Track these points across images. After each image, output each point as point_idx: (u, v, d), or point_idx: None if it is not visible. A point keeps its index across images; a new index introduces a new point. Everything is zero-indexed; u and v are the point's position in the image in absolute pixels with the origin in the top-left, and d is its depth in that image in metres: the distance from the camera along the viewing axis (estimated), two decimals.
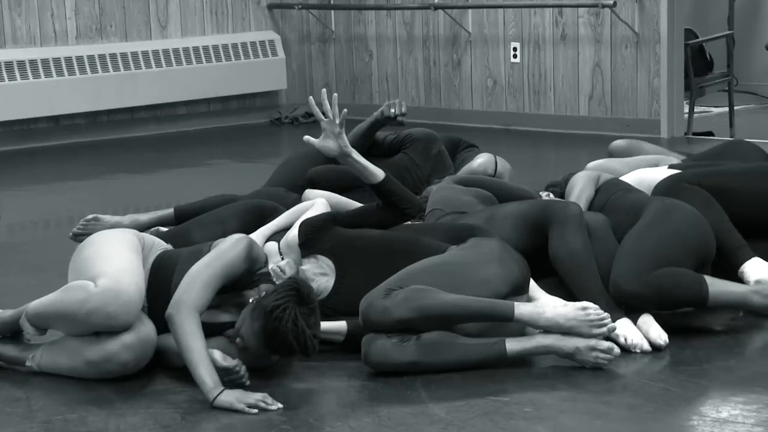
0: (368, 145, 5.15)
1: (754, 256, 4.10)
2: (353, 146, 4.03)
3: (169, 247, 3.95)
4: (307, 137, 3.99)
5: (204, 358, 3.44)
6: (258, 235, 4.23)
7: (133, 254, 3.75)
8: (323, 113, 3.94)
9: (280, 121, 9.29)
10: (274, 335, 3.44)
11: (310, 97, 4.11)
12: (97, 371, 3.62)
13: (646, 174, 4.62)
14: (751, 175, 4.32)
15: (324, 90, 4.00)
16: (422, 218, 4.48)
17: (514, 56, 8.43)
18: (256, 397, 3.40)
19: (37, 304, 3.71)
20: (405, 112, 5.18)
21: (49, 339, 3.77)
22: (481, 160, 5.25)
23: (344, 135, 3.94)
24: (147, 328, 3.63)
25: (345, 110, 3.95)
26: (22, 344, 3.81)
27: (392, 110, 5.13)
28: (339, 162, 4.04)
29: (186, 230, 4.45)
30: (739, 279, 4.06)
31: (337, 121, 3.93)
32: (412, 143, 5.23)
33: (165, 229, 4.61)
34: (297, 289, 3.47)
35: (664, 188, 4.30)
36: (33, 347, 3.78)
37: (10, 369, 3.79)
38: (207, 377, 3.41)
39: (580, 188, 4.40)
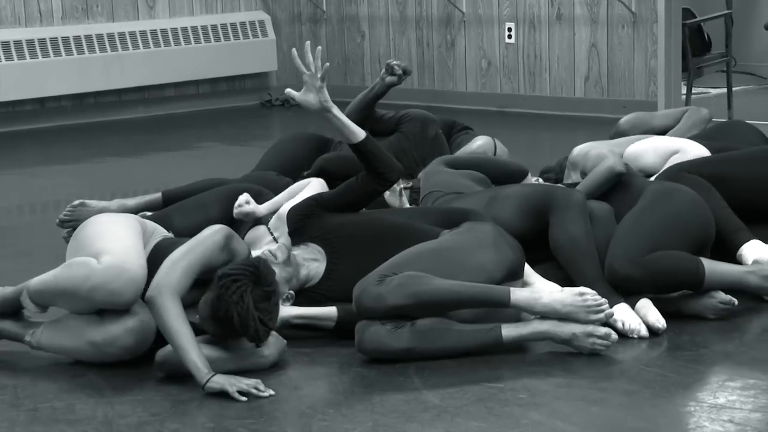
0: (366, 119, 5.07)
1: (753, 238, 4.08)
2: (352, 119, 4.00)
3: (169, 234, 3.92)
4: (288, 90, 3.96)
5: (192, 341, 3.39)
6: (263, 210, 4.25)
7: (136, 236, 3.72)
8: (306, 66, 3.87)
9: (271, 103, 9.24)
10: (217, 305, 3.40)
11: (293, 50, 4.03)
12: (97, 353, 3.58)
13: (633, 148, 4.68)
14: (750, 161, 4.32)
15: (308, 42, 3.92)
16: (415, 194, 4.42)
17: (509, 37, 8.36)
18: (248, 382, 3.36)
19: (38, 280, 3.67)
20: (409, 69, 5.15)
21: (50, 318, 3.73)
22: (480, 143, 5.21)
23: (325, 89, 3.88)
24: (149, 315, 3.57)
25: (327, 64, 3.90)
26: (23, 321, 3.79)
27: (394, 64, 5.08)
28: (338, 147, 3.97)
29: (168, 215, 4.42)
30: (738, 262, 4.05)
31: (319, 75, 3.86)
32: (409, 122, 5.17)
33: (149, 213, 4.56)
34: (257, 267, 3.44)
35: (663, 177, 4.30)
36: (34, 325, 3.75)
37: None
38: (198, 360, 3.37)
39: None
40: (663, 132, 5.00)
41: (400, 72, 5.09)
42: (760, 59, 9.64)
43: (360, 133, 3.89)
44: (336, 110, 3.90)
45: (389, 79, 5.12)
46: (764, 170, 4.27)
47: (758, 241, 4.08)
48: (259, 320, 3.40)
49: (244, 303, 3.38)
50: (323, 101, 3.88)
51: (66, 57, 8.30)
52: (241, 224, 4.31)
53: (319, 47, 3.96)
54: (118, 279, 3.50)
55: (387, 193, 4.44)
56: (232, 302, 3.38)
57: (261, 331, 3.42)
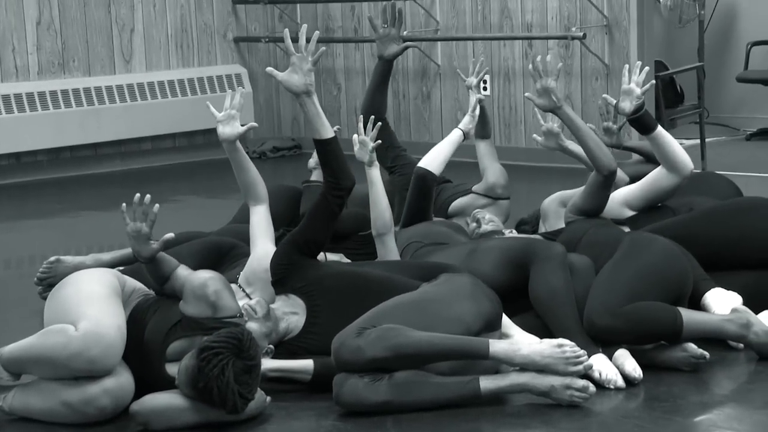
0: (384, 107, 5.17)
1: (715, 286, 4.11)
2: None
3: (150, 292, 3.88)
4: (270, 69, 3.89)
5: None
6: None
7: (114, 295, 3.67)
8: (296, 48, 3.83)
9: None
10: (197, 377, 3.38)
11: (286, 30, 3.95)
12: (73, 414, 3.53)
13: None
14: (710, 220, 4.37)
15: (305, 25, 3.89)
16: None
17: (484, 89, 8.39)
18: None
19: (12, 348, 3.61)
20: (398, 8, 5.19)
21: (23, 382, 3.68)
22: (493, 171, 5.20)
23: (313, 74, 3.83)
24: (127, 374, 3.56)
25: (323, 48, 3.86)
26: None
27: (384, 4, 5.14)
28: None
29: (141, 269, 4.37)
30: (703, 310, 4.08)
31: (310, 58, 3.82)
32: (404, 168, 5.18)
33: (123, 268, 4.53)
34: (239, 339, 3.40)
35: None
36: (5, 389, 3.68)
37: None
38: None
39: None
40: (634, 178, 5.01)
41: (389, 17, 5.13)
42: (732, 111, 9.69)
43: (330, 130, 3.88)
44: (316, 97, 3.86)
45: (387, 53, 5.17)
46: (725, 229, 4.31)
47: (721, 288, 4.11)
48: (239, 393, 3.38)
49: (225, 377, 3.35)
50: (309, 85, 3.83)
51: (42, 111, 8.28)
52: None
53: (317, 32, 3.92)
54: (96, 346, 3.45)
55: (356, 147, 4.44)
56: (212, 376, 3.36)
57: (239, 404, 3.40)
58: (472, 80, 5.26)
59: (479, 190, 5.19)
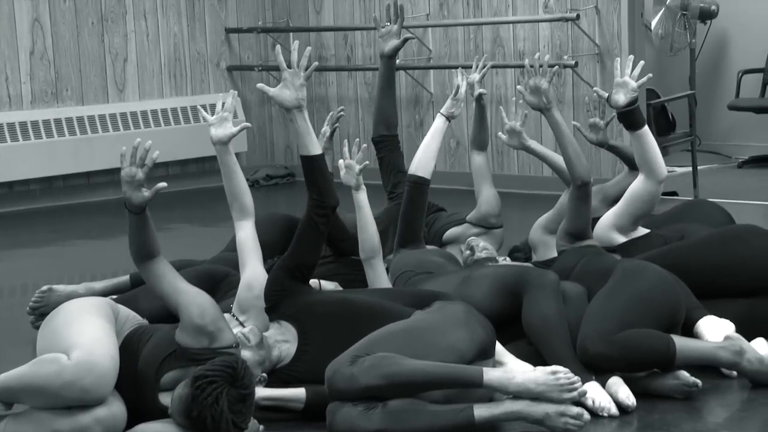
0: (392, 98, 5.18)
1: (707, 314, 4.11)
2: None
3: (144, 321, 3.86)
4: (261, 84, 3.91)
5: None
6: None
7: (107, 324, 3.64)
8: (287, 64, 3.83)
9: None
10: (191, 406, 3.35)
11: (278, 46, 3.98)
12: None
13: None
14: (703, 248, 4.37)
15: (296, 42, 3.88)
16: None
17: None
18: None
19: (4, 377, 3.57)
20: (400, 5, 5.17)
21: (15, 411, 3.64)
22: (485, 199, 5.15)
23: (305, 89, 3.83)
24: (119, 403, 3.53)
25: (316, 63, 3.88)
26: None
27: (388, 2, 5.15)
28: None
29: (133, 297, 4.37)
30: (696, 337, 4.07)
31: (302, 74, 3.83)
32: (401, 198, 5.16)
33: (115, 296, 4.52)
34: (234, 368, 3.38)
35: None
36: None
37: None
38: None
39: None
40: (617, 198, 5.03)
41: (392, 15, 5.13)
42: (723, 138, 9.71)
43: (318, 147, 3.89)
44: (306, 113, 3.86)
45: (387, 49, 5.16)
46: (717, 256, 4.31)
47: (713, 316, 4.11)
48: (233, 422, 3.37)
49: (219, 406, 3.34)
50: (301, 100, 3.84)
51: (35, 141, 8.28)
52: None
53: (309, 47, 3.93)
54: (89, 375, 3.43)
55: (342, 172, 4.42)
56: (206, 405, 3.34)
57: None
58: (476, 76, 5.18)
59: (472, 220, 5.17)
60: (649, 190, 4.55)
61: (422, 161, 4.79)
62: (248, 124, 4.20)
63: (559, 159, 4.73)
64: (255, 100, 9.47)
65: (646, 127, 4.53)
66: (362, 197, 4.39)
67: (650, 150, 4.53)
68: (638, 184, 4.58)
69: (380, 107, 5.27)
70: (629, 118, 4.50)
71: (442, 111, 4.94)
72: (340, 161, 4.42)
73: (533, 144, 4.92)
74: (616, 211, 4.66)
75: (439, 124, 4.90)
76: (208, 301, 3.66)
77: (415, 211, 4.72)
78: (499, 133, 4.97)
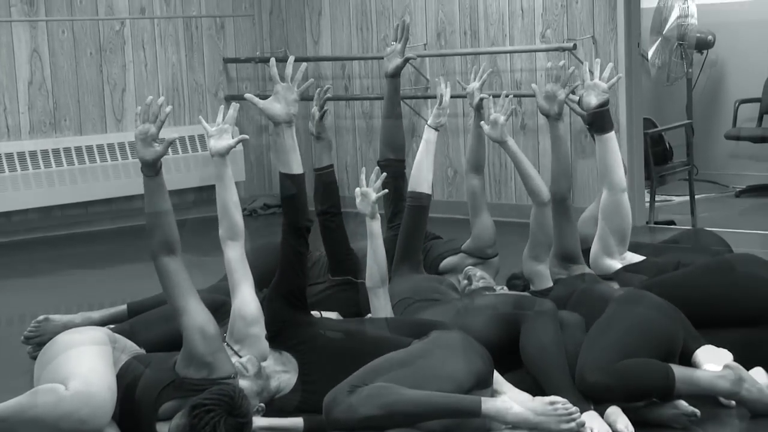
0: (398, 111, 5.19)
1: (705, 343, 4.11)
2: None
3: (141, 351, 3.85)
4: (249, 95, 3.88)
5: None
6: None
7: (105, 354, 3.64)
8: (281, 77, 3.82)
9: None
10: None
11: (272, 59, 3.95)
12: None
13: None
14: (694, 278, 4.37)
15: (292, 57, 3.87)
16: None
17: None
18: None
19: (1, 408, 3.55)
20: (406, 24, 5.17)
21: None
22: (480, 231, 5.12)
23: (297, 106, 3.80)
24: None
25: (312, 80, 3.87)
26: None
27: (397, 23, 5.15)
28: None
29: (131, 327, 4.35)
30: (693, 367, 4.05)
31: (296, 88, 3.81)
32: (397, 228, 5.16)
33: (113, 326, 4.50)
34: (231, 397, 3.36)
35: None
36: None
37: None
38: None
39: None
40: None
41: (397, 35, 5.14)
42: (721, 168, 9.71)
43: (300, 166, 3.87)
44: (294, 130, 3.83)
45: (390, 68, 5.18)
46: (714, 286, 4.30)
47: (711, 345, 4.10)
48: None
49: None
50: (292, 114, 3.81)
51: (33, 171, 8.26)
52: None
53: (305, 63, 3.92)
54: (86, 406, 3.42)
55: (358, 200, 4.38)
56: None
57: None
58: (475, 84, 5.15)
59: (468, 250, 5.15)
60: (614, 201, 4.56)
61: (420, 177, 4.78)
62: (245, 136, 4.16)
63: (530, 168, 4.70)
64: (253, 129, 9.47)
65: (614, 133, 4.56)
66: (376, 226, 4.33)
67: (612, 156, 4.55)
68: (603, 199, 4.59)
69: (385, 129, 5.25)
70: (599, 119, 4.53)
71: (429, 123, 4.93)
72: (357, 189, 4.38)
73: (511, 142, 4.80)
74: (597, 235, 4.67)
75: (429, 136, 4.89)
76: (213, 329, 3.64)
77: (417, 228, 4.71)
78: (482, 123, 4.85)
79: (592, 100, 4.53)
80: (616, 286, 4.50)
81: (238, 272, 3.98)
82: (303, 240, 3.90)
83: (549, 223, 4.57)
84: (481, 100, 5.08)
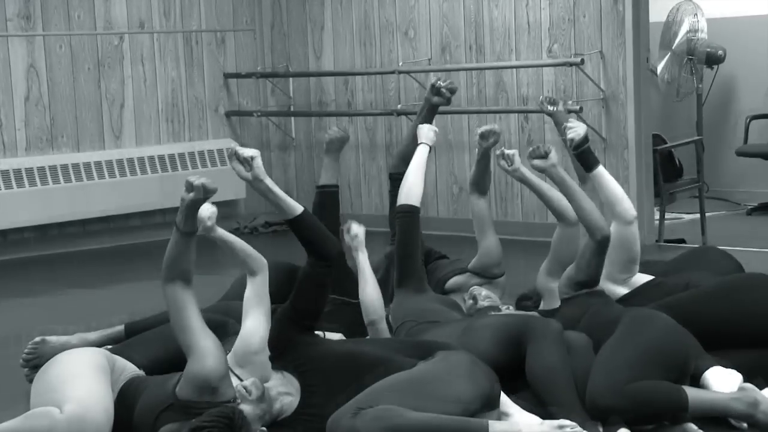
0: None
1: (714, 364, 4.09)
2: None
3: (140, 372, 3.82)
4: (231, 148, 3.94)
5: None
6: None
7: (102, 376, 3.61)
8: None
9: (239, 231, 9.15)
10: None
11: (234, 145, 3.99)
12: None
13: None
14: (705, 299, 4.35)
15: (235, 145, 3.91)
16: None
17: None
18: None
19: None
20: (455, 87, 5.30)
21: None
22: (486, 250, 5.13)
23: (259, 160, 3.82)
24: None
25: (256, 151, 3.87)
26: None
27: (440, 82, 5.24)
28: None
29: (128, 348, 4.32)
30: (703, 388, 4.05)
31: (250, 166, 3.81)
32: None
33: (110, 347, 4.47)
34: (231, 419, 3.33)
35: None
36: None
37: None
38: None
39: None
40: None
41: (448, 95, 5.19)
42: (732, 185, 9.68)
43: (297, 208, 3.83)
44: (269, 181, 3.81)
45: (436, 99, 5.26)
46: (724, 307, 4.28)
47: (720, 366, 4.07)
48: None
49: None
50: (256, 169, 3.83)
51: (30, 188, 8.23)
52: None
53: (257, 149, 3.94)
54: (81, 431, 3.39)
55: (346, 237, 4.57)
56: None
57: None
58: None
59: (474, 269, 5.15)
60: (621, 233, 4.55)
61: (410, 191, 4.81)
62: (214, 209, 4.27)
63: (555, 194, 4.76)
64: (253, 145, 9.40)
65: (602, 167, 4.60)
66: (363, 258, 4.49)
67: (611, 190, 4.58)
68: (612, 231, 4.54)
69: (407, 144, 5.29)
70: (585, 156, 4.62)
71: (423, 141, 5.01)
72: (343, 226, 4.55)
73: (528, 173, 4.92)
74: (609, 264, 4.60)
75: (423, 153, 4.97)
76: (221, 356, 3.62)
77: (410, 244, 4.71)
78: (498, 152, 4.97)
79: (580, 130, 4.63)
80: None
81: (254, 301, 4.11)
82: (330, 270, 3.88)
83: (576, 245, 4.56)
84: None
